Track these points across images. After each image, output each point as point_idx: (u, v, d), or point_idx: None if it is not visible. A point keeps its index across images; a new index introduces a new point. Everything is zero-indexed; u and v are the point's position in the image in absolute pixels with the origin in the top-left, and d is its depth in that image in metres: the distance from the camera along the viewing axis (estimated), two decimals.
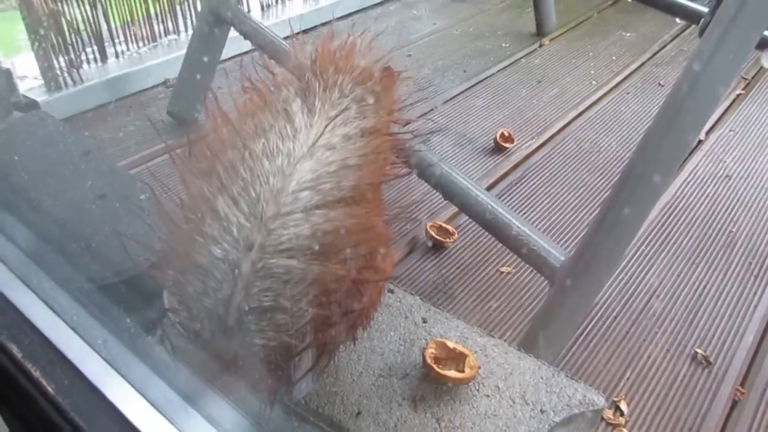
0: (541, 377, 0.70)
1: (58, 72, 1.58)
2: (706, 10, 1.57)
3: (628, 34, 2.48)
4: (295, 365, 0.60)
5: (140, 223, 1.03)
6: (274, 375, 0.60)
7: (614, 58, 2.30)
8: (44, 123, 1.26)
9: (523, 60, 2.25)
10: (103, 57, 1.70)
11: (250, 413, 0.66)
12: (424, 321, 0.75)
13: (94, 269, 0.89)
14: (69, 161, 1.14)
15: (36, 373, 0.65)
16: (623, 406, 1.05)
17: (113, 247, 0.96)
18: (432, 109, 1.88)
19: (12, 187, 0.99)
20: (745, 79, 2.21)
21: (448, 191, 0.98)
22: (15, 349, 0.67)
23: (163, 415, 0.62)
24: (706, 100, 0.73)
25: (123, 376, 0.65)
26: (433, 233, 1.34)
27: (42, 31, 1.54)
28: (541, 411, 0.66)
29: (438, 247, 1.35)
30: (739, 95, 2.12)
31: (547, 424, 0.65)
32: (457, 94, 1.98)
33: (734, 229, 1.48)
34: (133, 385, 0.64)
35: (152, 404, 0.63)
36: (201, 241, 0.51)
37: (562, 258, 0.86)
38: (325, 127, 0.55)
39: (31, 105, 1.46)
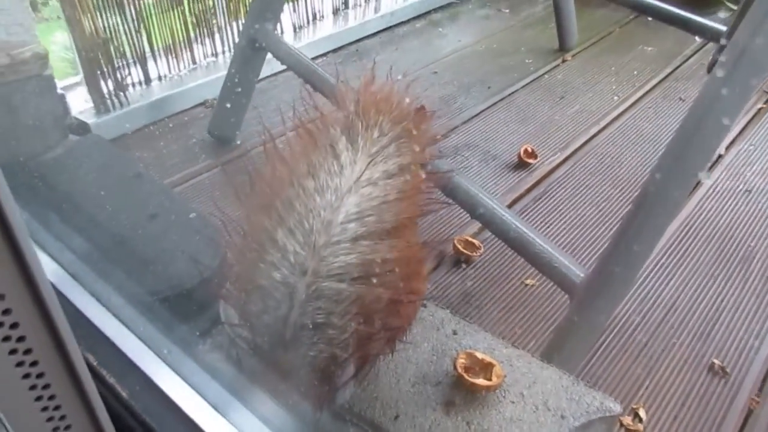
0: (562, 386, 0.76)
1: (106, 95, 1.68)
2: (723, 28, 1.62)
3: (650, 49, 2.53)
4: (341, 373, 0.68)
5: (191, 241, 1.12)
6: (322, 382, 0.68)
7: (636, 72, 2.35)
8: (98, 146, 1.36)
9: (546, 76, 2.31)
10: (147, 80, 1.81)
11: (299, 415, 0.74)
12: (455, 333, 0.82)
13: (153, 284, 0.97)
14: (123, 183, 1.24)
15: (110, 380, 0.73)
16: (642, 413, 1.10)
17: (168, 263, 1.05)
18: (457, 127, 1.95)
19: (77, 209, 1.08)
20: (767, 93, 2.25)
21: (474, 210, 1.05)
22: (91, 358, 0.75)
23: (222, 415, 0.70)
24: (711, 136, 0.80)
25: (186, 381, 0.74)
26: (460, 247, 1.41)
27: (92, 56, 1.64)
28: (562, 417, 0.73)
29: (465, 261, 1.42)
30: (760, 109, 2.15)
31: (567, 429, 0.72)
32: (482, 111, 2.05)
33: (752, 243, 1.53)
34: (194, 389, 0.73)
35: (212, 405, 0.71)
36: (262, 266, 0.60)
37: (582, 274, 0.93)
38: (368, 163, 0.63)
39: (83, 127, 1.56)
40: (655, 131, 2.00)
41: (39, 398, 0.40)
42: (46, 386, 0.40)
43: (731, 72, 0.78)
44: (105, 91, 1.68)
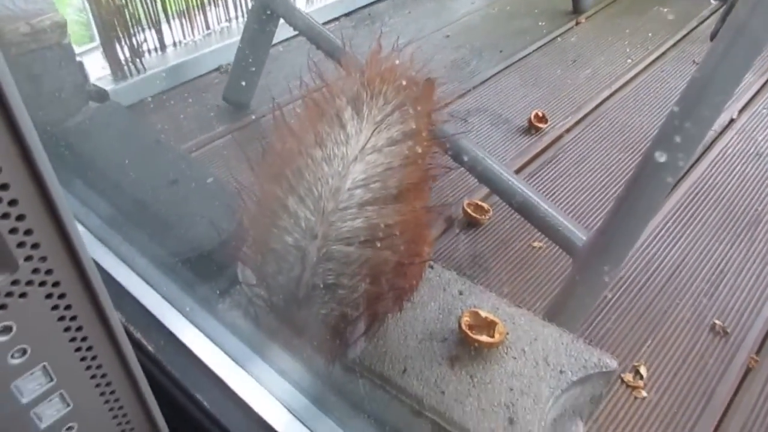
0: (562, 343, 0.81)
1: (123, 62, 1.72)
2: None
3: (666, 10, 2.50)
4: (352, 330, 0.73)
5: (209, 205, 1.17)
6: (334, 338, 0.73)
7: (650, 35, 2.33)
8: (118, 114, 1.40)
9: (558, 39, 2.30)
10: (162, 46, 1.83)
11: (313, 368, 0.79)
12: (460, 293, 0.86)
13: (175, 246, 1.02)
14: (143, 149, 1.28)
15: (137, 335, 0.79)
16: (643, 370, 1.15)
17: (188, 226, 1.09)
18: (469, 91, 1.96)
19: (100, 175, 1.12)
20: None
21: (481, 176, 1.08)
22: (120, 316, 0.81)
23: (242, 367, 0.75)
24: (713, 103, 0.82)
25: (207, 336, 0.79)
26: (469, 211, 1.45)
27: (108, 23, 1.67)
28: (561, 371, 0.77)
29: (474, 224, 1.46)
30: None
31: (565, 383, 0.76)
32: (494, 75, 2.05)
33: (760, 207, 1.55)
34: (215, 343, 0.78)
35: (232, 358, 0.76)
36: (276, 231, 0.64)
37: (584, 237, 0.96)
38: (372, 131, 0.66)
39: (102, 94, 1.60)
40: (667, 95, 2.00)
41: (78, 349, 0.45)
42: (84, 339, 0.44)
43: (731, 45, 0.80)
44: (122, 58, 1.71)
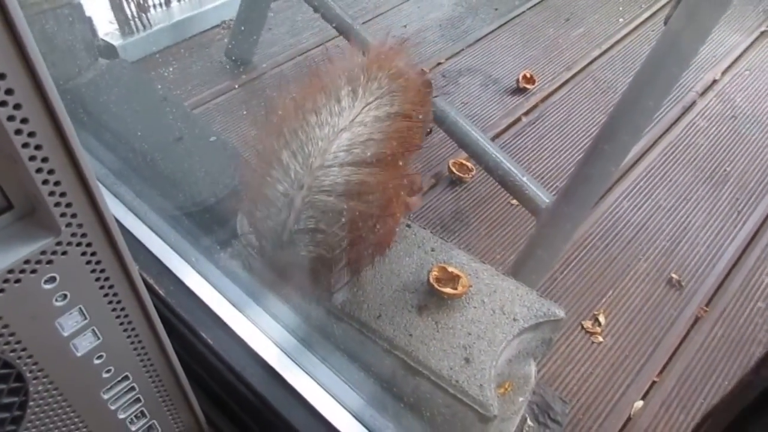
0: (518, 295, 0.93)
1: (130, 17, 1.79)
2: None
3: None
4: (336, 279, 0.85)
5: (212, 162, 1.28)
6: (318, 283, 0.85)
7: None
8: (126, 71, 1.49)
9: None
10: (167, 1, 1.90)
11: (300, 312, 0.91)
12: (433, 250, 0.98)
13: (181, 200, 1.13)
14: (150, 106, 1.38)
15: (149, 280, 0.91)
16: (601, 318, 1.28)
17: (192, 182, 1.20)
18: (462, 50, 2.03)
19: (112, 131, 1.23)
20: None
21: (459, 139, 1.18)
22: (136, 267, 0.93)
23: (240, 311, 0.88)
24: (666, 81, 0.91)
25: (210, 283, 0.91)
26: (454, 169, 1.55)
27: None
28: (514, 319, 0.89)
29: (458, 182, 1.57)
30: (763, 32, 2.18)
31: (518, 329, 0.88)
32: (487, 34, 2.11)
33: (728, 168, 1.65)
34: (217, 289, 0.90)
35: (230, 302, 0.89)
36: (269, 180, 0.75)
37: (547, 200, 1.06)
38: (362, 109, 0.77)
39: (110, 49, 1.68)
40: None
41: (106, 295, 0.56)
42: (111, 287, 0.56)
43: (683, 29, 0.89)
44: (128, 13, 1.78)
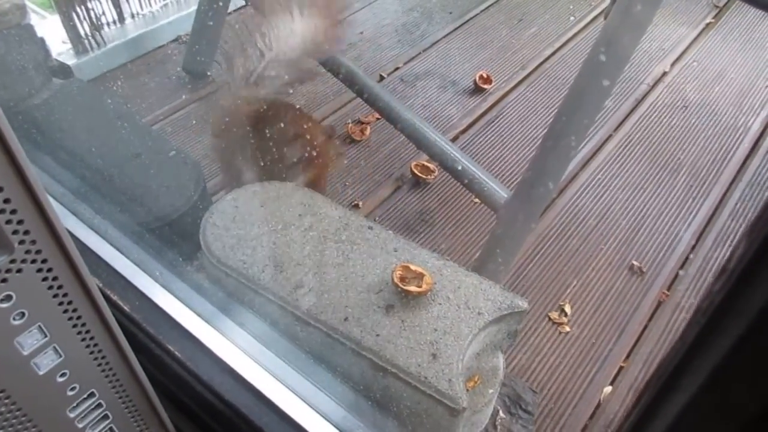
0: (481, 289, 0.94)
1: (83, 36, 1.78)
2: None
3: None
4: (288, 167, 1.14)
5: (173, 176, 1.27)
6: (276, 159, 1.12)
7: None
8: (82, 90, 1.47)
9: None
10: (121, 18, 1.89)
11: (269, 322, 0.92)
12: (396, 250, 0.99)
13: (143, 216, 1.13)
14: (107, 124, 1.37)
15: (114, 297, 0.90)
16: (567, 308, 1.30)
17: (154, 197, 1.20)
18: (419, 54, 2.05)
19: (68, 151, 1.22)
20: (717, 7, 2.34)
21: (417, 141, 1.20)
22: (96, 281, 0.92)
23: (205, 321, 0.88)
24: (610, 73, 0.94)
25: (176, 297, 0.91)
26: (416, 171, 1.57)
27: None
28: (479, 313, 0.91)
29: (421, 183, 1.58)
30: (708, 24, 2.26)
31: (483, 322, 0.90)
32: (442, 37, 2.14)
33: (682, 156, 1.70)
34: (183, 302, 0.90)
35: (196, 313, 0.89)
36: (248, 50, 1.09)
37: (506, 196, 1.09)
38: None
39: (65, 69, 1.66)
40: None
41: (65, 311, 0.56)
42: (69, 302, 0.56)
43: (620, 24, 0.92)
44: (82, 32, 1.77)
